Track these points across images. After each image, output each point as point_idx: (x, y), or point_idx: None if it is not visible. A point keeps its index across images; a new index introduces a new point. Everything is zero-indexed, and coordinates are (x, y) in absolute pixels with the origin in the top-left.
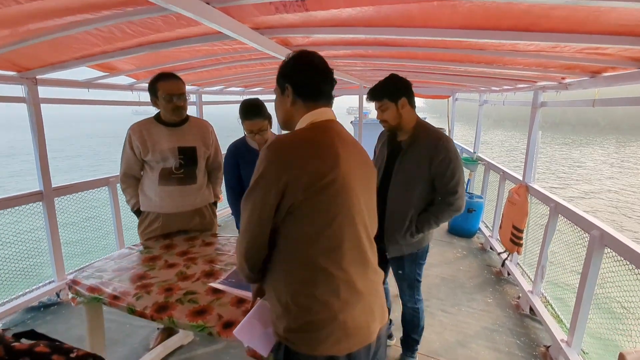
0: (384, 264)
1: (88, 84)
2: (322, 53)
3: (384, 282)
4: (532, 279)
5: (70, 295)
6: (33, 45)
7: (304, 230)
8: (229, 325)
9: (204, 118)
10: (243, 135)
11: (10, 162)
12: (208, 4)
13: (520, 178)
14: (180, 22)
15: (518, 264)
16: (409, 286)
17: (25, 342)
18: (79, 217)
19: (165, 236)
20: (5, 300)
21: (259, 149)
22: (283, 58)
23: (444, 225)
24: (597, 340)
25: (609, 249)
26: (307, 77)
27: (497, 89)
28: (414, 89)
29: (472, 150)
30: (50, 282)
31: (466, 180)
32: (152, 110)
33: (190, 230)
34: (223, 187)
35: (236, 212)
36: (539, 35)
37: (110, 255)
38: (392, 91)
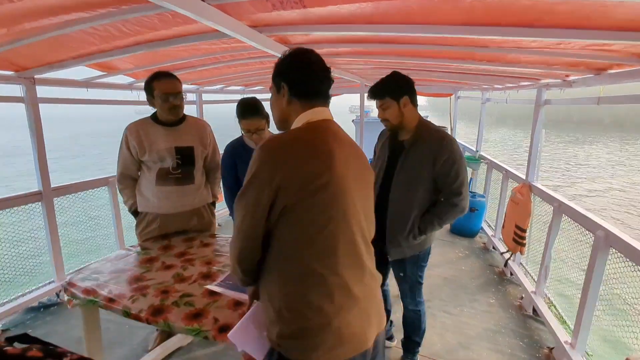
0: (383, 265)
1: (87, 84)
2: (322, 51)
3: (384, 284)
4: (535, 279)
5: (66, 298)
6: (30, 44)
7: (298, 233)
8: (224, 329)
9: (204, 117)
10: (240, 134)
11: (17, 161)
12: (203, 0)
13: (524, 177)
14: (176, 20)
15: (521, 264)
16: (411, 288)
17: (18, 346)
18: (79, 217)
19: (163, 237)
20: (4, 301)
21: None
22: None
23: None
24: (607, 343)
25: (614, 250)
26: (303, 76)
27: (500, 86)
28: (415, 88)
29: (474, 149)
30: (50, 283)
31: (469, 179)
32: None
33: (189, 230)
34: (222, 187)
35: (234, 213)
36: (543, 31)
37: (107, 257)
38: (394, 89)
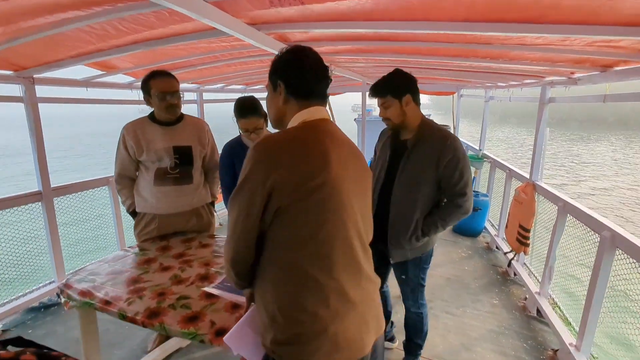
0: (383, 266)
1: (86, 83)
2: (322, 49)
3: (383, 286)
4: (540, 280)
5: (62, 299)
6: (27, 43)
7: (292, 235)
8: (221, 332)
9: (204, 117)
10: (239, 134)
11: (24, 160)
12: None
13: (527, 176)
14: (173, 18)
15: (525, 264)
16: (412, 291)
17: (12, 349)
18: (80, 216)
19: (161, 238)
20: (5, 301)
21: None
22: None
23: None
24: (613, 345)
25: (620, 251)
26: (300, 74)
27: (504, 84)
28: (418, 86)
29: (477, 148)
30: (50, 283)
31: (472, 178)
32: None
33: (188, 231)
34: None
35: (228, 213)
36: (548, 27)
37: (104, 258)
38: (396, 87)
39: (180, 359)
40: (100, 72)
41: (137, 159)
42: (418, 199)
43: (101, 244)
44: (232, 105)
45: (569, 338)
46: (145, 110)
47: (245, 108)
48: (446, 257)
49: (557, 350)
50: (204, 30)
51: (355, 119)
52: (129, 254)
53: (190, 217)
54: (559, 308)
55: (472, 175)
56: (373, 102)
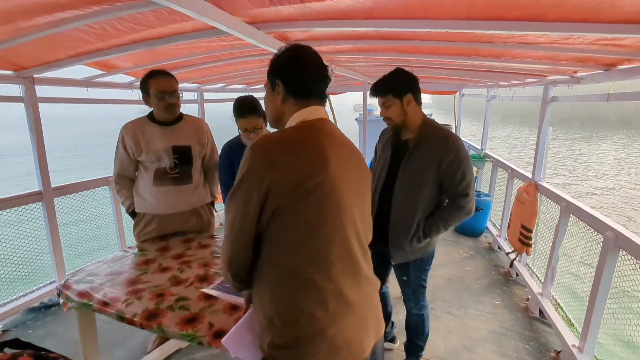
0: (383, 267)
1: (86, 83)
2: (322, 48)
3: (382, 287)
4: (542, 281)
5: (61, 300)
6: (26, 43)
7: (289, 236)
8: (220, 334)
9: (205, 116)
10: (238, 134)
11: (26, 160)
12: None
13: (530, 176)
14: (172, 17)
15: (527, 264)
16: (414, 292)
17: (8, 351)
18: (81, 216)
19: (161, 238)
20: (5, 301)
21: None
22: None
23: None
24: (618, 347)
25: (623, 251)
26: (299, 74)
27: (506, 83)
28: (419, 85)
29: (479, 147)
30: (51, 283)
31: (474, 178)
32: None
33: (187, 231)
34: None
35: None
36: (550, 25)
37: (103, 259)
38: (397, 86)
39: None
40: (100, 72)
41: (136, 159)
42: (419, 200)
43: (102, 243)
44: (232, 105)
45: (571, 339)
46: (147, 110)
47: (244, 108)
48: (447, 257)
49: (559, 351)
50: (203, 30)
51: (356, 119)
52: (128, 254)
53: (190, 217)
54: (562, 309)
55: (474, 175)
56: (374, 102)
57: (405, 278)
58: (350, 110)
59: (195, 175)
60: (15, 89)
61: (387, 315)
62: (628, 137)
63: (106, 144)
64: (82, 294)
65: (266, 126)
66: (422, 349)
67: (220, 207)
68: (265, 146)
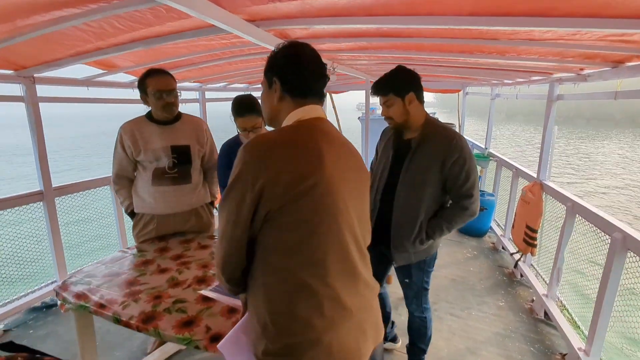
0: (382, 267)
1: (87, 82)
2: (323, 46)
3: (380, 287)
4: (547, 282)
5: (58, 302)
6: (25, 43)
7: (283, 240)
8: (216, 338)
9: (207, 116)
10: (237, 133)
11: (31, 160)
12: None
13: (534, 175)
14: (170, 14)
15: (532, 265)
16: (416, 295)
17: (2, 354)
18: (83, 216)
19: (160, 238)
20: (7, 301)
21: None
22: None
23: None
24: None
25: (632, 253)
26: (297, 72)
27: (510, 81)
28: (422, 84)
29: (483, 146)
30: (52, 282)
31: (478, 178)
32: None
33: (187, 231)
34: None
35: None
36: (557, 20)
37: (102, 260)
38: (398, 85)
39: None
40: (101, 71)
41: (134, 158)
42: (422, 201)
43: (104, 243)
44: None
45: (577, 342)
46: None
47: (243, 107)
48: (451, 257)
49: (565, 354)
50: (202, 28)
51: (359, 118)
52: (127, 255)
53: (190, 217)
54: (567, 311)
55: (478, 174)
56: (377, 101)
57: (407, 280)
58: (354, 109)
59: (195, 175)
60: (16, 89)
61: (387, 316)
62: (634, 135)
63: (108, 143)
64: (79, 296)
65: (265, 125)
66: (424, 351)
67: None
68: (259, 146)
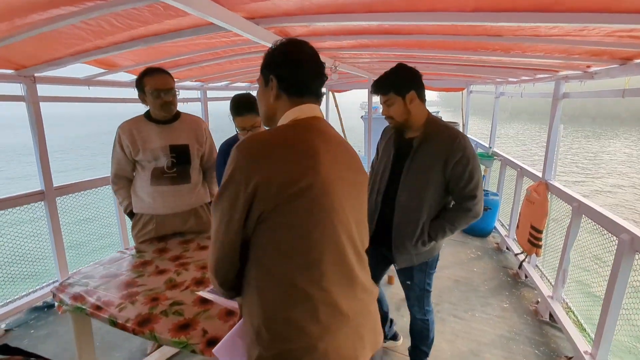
0: (381, 268)
1: (88, 81)
2: (325, 44)
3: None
4: (552, 283)
5: (56, 304)
6: (24, 42)
7: (277, 242)
8: (213, 342)
9: (208, 115)
10: (235, 132)
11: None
12: None
13: (540, 175)
14: (168, 12)
15: (537, 266)
16: (418, 297)
17: None
18: (85, 216)
19: (160, 239)
20: (8, 301)
21: None
22: None
23: None
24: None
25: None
26: (294, 70)
27: (515, 80)
28: (425, 82)
29: (487, 145)
30: (54, 282)
31: (481, 177)
32: None
33: (186, 232)
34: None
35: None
36: (564, 16)
37: (100, 260)
38: (399, 83)
39: None
40: (101, 71)
41: (133, 158)
42: (424, 202)
43: (106, 242)
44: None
45: (584, 345)
46: None
47: (242, 106)
48: (454, 257)
49: (571, 357)
50: (201, 26)
51: (362, 117)
52: (126, 256)
53: (189, 217)
54: (573, 313)
55: (482, 174)
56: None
57: (409, 282)
58: (357, 108)
59: (194, 174)
60: (17, 88)
61: (384, 316)
62: None
63: (112, 142)
64: (75, 297)
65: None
66: (427, 354)
67: None
68: (252, 145)
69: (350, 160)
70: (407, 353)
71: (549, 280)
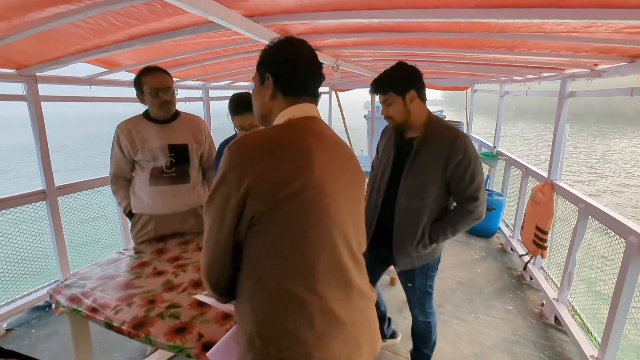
0: (381, 269)
1: (89, 81)
2: (326, 42)
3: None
4: (558, 285)
5: (53, 305)
6: (24, 41)
7: (269, 246)
8: (208, 346)
9: (210, 115)
10: (234, 132)
11: (54, 158)
12: None
13: (545, 175)
14: (166, 10)
15: (542, 267)
16: (419, 299)
17: None
18: (87, 215)
19: (159, 239)
20: (9, 300)
21: None
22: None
23: None
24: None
25: None
26: (291, 69)
27: (520, 78)
28: (428, 81)
29: (492, 145)
30: (55, 282)
31: (485, 176)
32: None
33: (186, 232)
34: None
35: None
36: (571, 12)
37: (98, 261)
38: (398, 82)
39: None
40: (103, 70)
41: (132, 158)
42: (425, 204)
43: (108, 242)
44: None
45: (590, 349)
46: None
47: (241, 105)
48: (457, 258)
49: None
50: (200, 24)
51: (365, 116)
52: (124, 256)
53: (188, 217)
54: (579, 316)
55: (487, 173)
56: None
57: (410, 285)
58: (361, 108)
59: (193, 174)
60: (18, 88)
61: (382, 315)
62: None
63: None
64: (72, 299)
65: None
66: (429, 357)
67: None
68: (244, 146)
69: (347, 160)
70: (409, 356)
71: (554, 282)
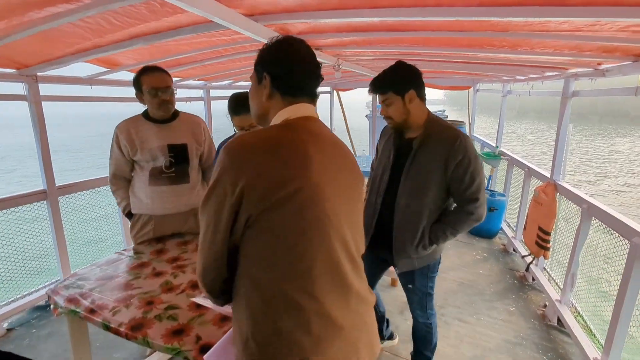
0: (380, 270)
1: (90, 81)
2: (327, 41)
3: (372, 289)
4: (561, 286)
5: (51, 306)
6: (25, 41)
7: (265, 249)
8: (206, 348)
9: (212, 115)
10: (234, 132)
11: (58, 157)
12: None
13: (548, 175)
14: (165, 9)
15: (544, 268)
16: (420, 300)
17: None
18: (88, 215)
19: (158, 240)
20: (10, 300)
21: None
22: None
23: None
24: None
25: None
26: (289, 68)
27: (523, 77)
28: (430, 80)
29: (494, 144)
30: (56, 281)
31: (487, 176)
32: (178, 105)
33: (186, 232)
34: None
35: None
36: (575, 10)
37: (97, 262)
38: (397, 82)
39: None
40: (104, 70)
41: (131, 158)
42: (425, 205)
43: (110, 242)
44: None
45: (593, 352)
46: None
47: (240, 105)
48: (459, 259)
49: None
50: (199, 23)
51: (366, 116)
52: (123, 257)
53: (188, 217)
54: (582, 318)
55: (489, 173)
56: None
57: (410, 286)
58: (363, 107)
59: (193, 174)
60: (19, 88)
61: (381, 317)
62: None
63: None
64: (70, 300)
65: None
66: (430, 359)
67: None
68: (239, 147)
69: (344, 161)
70: (409, 358)
71: (557, 284)
